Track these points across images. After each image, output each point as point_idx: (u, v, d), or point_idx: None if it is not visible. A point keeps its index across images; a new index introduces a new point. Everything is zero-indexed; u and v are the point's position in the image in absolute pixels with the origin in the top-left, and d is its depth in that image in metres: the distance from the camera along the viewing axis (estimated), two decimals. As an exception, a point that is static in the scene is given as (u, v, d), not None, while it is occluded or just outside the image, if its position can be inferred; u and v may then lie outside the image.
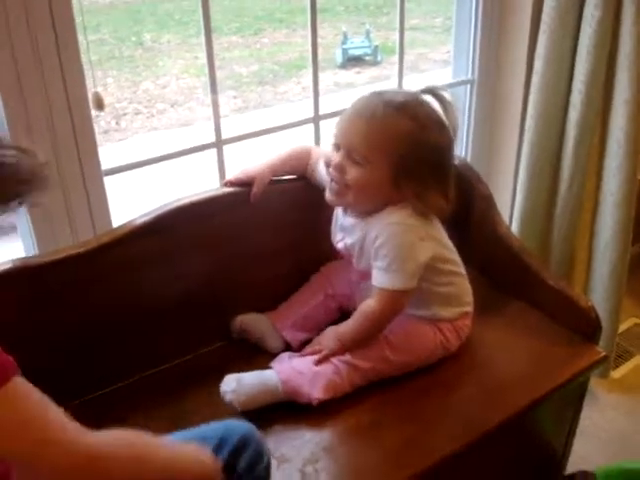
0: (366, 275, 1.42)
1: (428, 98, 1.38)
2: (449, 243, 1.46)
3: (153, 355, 1.48)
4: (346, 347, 1.38)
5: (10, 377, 0.81)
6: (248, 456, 1.09)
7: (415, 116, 1.32)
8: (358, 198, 1.37)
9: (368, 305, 1.38)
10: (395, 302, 1.37)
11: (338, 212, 1.48)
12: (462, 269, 1.48)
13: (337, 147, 1.36)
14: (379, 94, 1.36)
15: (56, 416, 0.85)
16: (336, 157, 1.35)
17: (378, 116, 1.31)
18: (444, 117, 1.37)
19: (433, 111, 1.36)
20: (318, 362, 1.37)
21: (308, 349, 1.43)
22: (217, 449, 1.08)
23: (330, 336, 1.42)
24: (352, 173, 1.33)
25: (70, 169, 1.42)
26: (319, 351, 1.40)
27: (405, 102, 1.33)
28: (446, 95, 1.39)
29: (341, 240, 1.47)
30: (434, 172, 1.35)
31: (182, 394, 1.40)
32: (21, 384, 0.82)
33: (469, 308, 1.49)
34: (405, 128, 1.31)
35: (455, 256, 1.47)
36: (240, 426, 1.14)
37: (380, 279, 1.36)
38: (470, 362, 1.48)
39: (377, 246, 1.35)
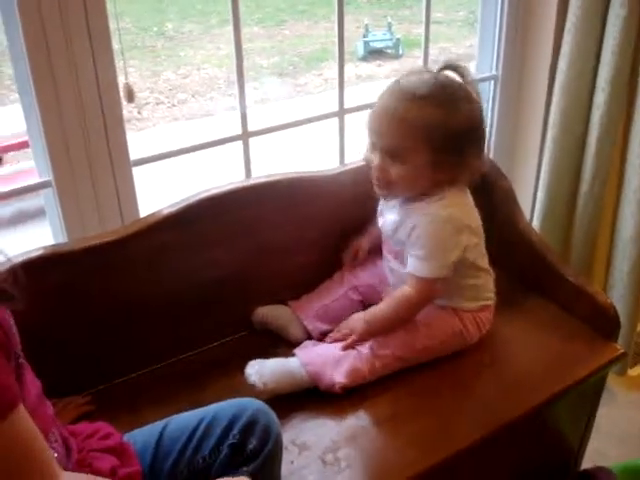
0: (397, 255, 1.45)
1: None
2: (481, 232, 1.47)
3: (175, 344, 1.50)
4: (373, 331, 1.41)
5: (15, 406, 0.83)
6: (257, 436, 1.10)
7: (439, 103, 1.32)
8: (405, 190, 1.40)
9: (404, 291, 1.41)
10: (430, 289, 1.40)
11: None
12: (487, 264, 1.50)
13: (373, 146, 1.38)
14: (400, 87, 1.36)
15: (40, 455, 0.86)
16: (375, 158, 1.37)
17: (402, 112, 1.32)
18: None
19: (456, 88, 1.36)
20: (345, 347, 1.40)
21: (335, 334, 1.46)
22: (228, 428, 1.11)
23: (357, 321, 1.44)
24: (394, 171, 1.35)
25: (100, 159, 1.44)
26: (345, 336, 1.42)
27: (426, 92, 1.33)
28: (463, 67, 1.39)
29: (381, 216, 1.50)
30: (468, 141, 1.35)
31: (203, 382, 1.42)
32: (22, 415, 0.84)
33: (490, 302, 1.51)
34: (431, 117, 1.31)
35: (483, 247, 1.48)
36: (251, 403, 1.16)
37: (417, 267, 1.39)
38: (488, 357, 1.49)
39: (415, 236, 1.38)
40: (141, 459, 1.11)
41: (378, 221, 1.51)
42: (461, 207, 1.41)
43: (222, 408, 1.15)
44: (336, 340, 1.44)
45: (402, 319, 1.43)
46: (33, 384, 0.97)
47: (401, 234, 1.42)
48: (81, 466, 1.01)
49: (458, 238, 1.38)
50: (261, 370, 1.36)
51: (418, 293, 1.39)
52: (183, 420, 1.16)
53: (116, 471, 1.03)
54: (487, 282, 1.51)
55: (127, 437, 1.14)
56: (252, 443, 1.10)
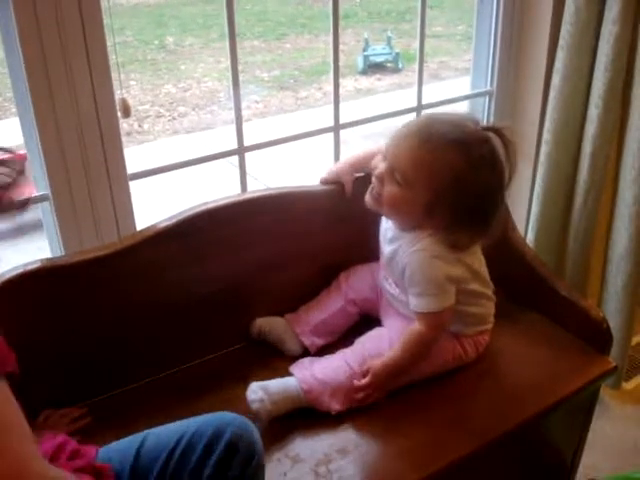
0: (398, 283, 1.45)
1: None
2: (481, 268, 1.46)
3: (172, 355, 1.51)
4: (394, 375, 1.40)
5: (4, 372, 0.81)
6: (240, 458, 1.06)
7: (468, 155, 1.30)
8: (390, 212, 1.39)
9: (414, 330, 1.38)
10: (439, 321, 1.38)
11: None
12: (490, 292, 1.50)
13: (384, 158, 1.37)
14: (440, 121, 1.34)
15: (25, 430, 0.83)
16: (380, 167, 1.36)
17: (429, 145, 1.30)
18: (502, 156, 1.34)
19: (490, 151, 1.33)
20: (358, 389, 1.37)
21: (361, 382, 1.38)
22: (210, 445, 1.06)
23: (379, 375, 1.37)
24: (388, 189, 1.34)
25: (97, 173, 1.46)
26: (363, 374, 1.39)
27: (462, 138, 1.30)
28: (508, 134, 1.35)
29: (383, 245, 1.48)
30: (471, 212, 1.33)
31: (200, 395, 1.43)
32: (5, 387, 0.81)
33: (490, 325, 1.52)
34: (453, 165, 1.29)
35: (484, 281, 1.48)
36: (233, 420, 1.11)
37: (418, 304, 1.37)
38: (482, 371, 1.50)
39: (408, 275, 1.37)
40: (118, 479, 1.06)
41: (381, 240, 1.51)
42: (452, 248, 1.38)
43: (201, 425, 1.10)
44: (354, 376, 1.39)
45: (421, 358, 1.40)
46: None
47: (395, 268, 1.42)
48: None
49: (449, 268, 1.37)
50: (264, 398, 1.34)
51: (429, 328, 1.37)
52: (161, 437, 1.11)
53: None
54: (489, 308, 1.51)
55: (102, 452, 1.10)
56: (233, 471, 1.05)
